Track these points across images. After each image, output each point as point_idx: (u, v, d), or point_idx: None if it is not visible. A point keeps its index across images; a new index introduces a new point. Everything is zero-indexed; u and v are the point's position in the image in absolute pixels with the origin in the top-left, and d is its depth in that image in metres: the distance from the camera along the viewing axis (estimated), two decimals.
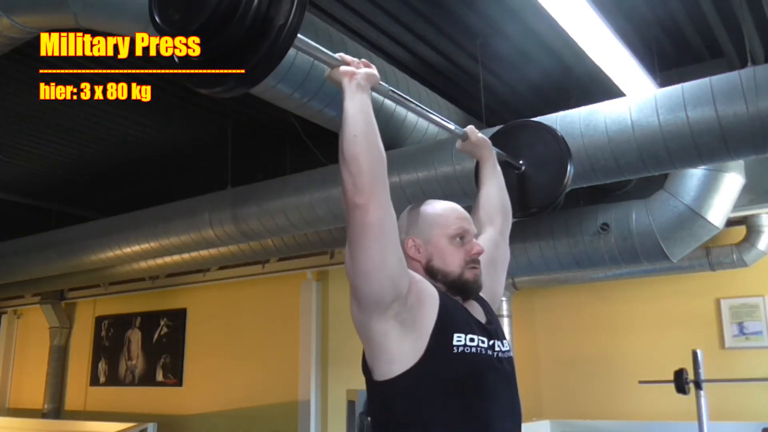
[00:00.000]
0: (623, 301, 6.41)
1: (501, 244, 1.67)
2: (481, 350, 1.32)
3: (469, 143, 1.76)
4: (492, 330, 1.41)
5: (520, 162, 1.98)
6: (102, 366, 7.50)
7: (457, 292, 1.42)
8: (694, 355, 4.08)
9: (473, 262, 1.44)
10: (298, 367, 5.74)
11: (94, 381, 7.51)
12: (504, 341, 1.42)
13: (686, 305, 5.91)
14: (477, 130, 1.77)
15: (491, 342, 1.36)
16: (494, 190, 1.74)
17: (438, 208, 1.48)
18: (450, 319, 1.31)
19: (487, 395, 1.31)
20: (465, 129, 1.75)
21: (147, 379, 7.03)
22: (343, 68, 1.29)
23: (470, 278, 1.42)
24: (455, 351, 1.28)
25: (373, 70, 1.32)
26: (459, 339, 1.29)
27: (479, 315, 1.44)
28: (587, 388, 6.45)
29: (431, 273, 1.41)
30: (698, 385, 3.98)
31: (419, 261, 1.42)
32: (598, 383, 6.37)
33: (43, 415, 7.39)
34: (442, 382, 1.26)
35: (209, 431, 6.32)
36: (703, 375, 4.01)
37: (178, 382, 6.73)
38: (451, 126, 1.71)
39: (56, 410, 7.48)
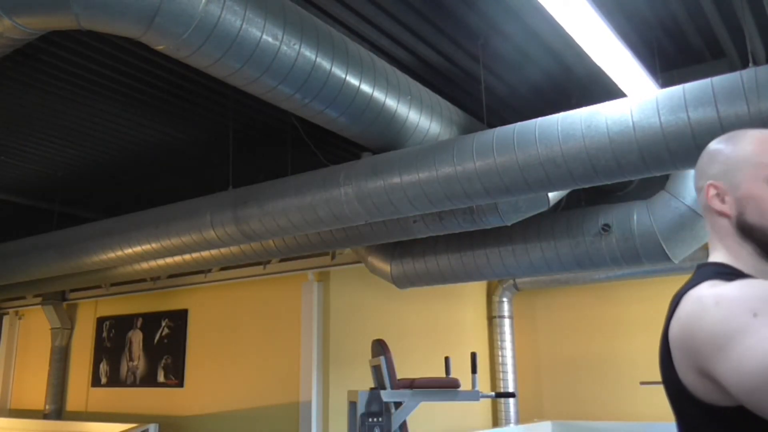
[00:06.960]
0: (624, 303, 6.40)
1: None
2: None
3: None
4: None
5: None
6: (103, 367, 7.50)
7: None
8: None
9: None
10: (300, 368, 5.74)
11: (96, 382, 7.51)
12: None
13: None
14: None
15: None
16: None
17: (747, 140, 1.09)
18: None
19: None
20: None
21: (148, 380, 7.02)
22: None
23: None
24: None
25: None
26: None
27: None
28: (588, 389, 6.45)
29: (744, 230, 1.05)
30: None
31: (726, 215, 1.07)
32: (600, 384, 6.37)
33: (45, 415, 7.39)
34: None
35: None
36: None
37: (180, 383, 6.73)
38: None
39: (57, 411, 7.49)
